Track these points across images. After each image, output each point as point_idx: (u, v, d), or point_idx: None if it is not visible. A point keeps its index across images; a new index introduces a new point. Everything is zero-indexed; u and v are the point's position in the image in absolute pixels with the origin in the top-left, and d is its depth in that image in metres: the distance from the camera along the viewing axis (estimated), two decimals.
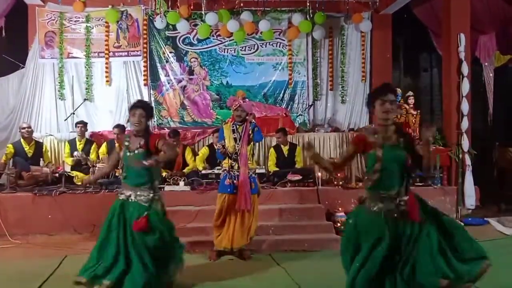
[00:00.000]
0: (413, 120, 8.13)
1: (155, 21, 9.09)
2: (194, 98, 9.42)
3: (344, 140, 8.30)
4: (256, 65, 9.52)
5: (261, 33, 9.30)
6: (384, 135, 3.18)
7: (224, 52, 9.47)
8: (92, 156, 7.55)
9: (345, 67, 9.65)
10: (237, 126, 5.38)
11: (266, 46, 9.49)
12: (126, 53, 9.24)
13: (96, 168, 6.92)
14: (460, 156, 7.57)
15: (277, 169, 7.55)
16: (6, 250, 5.77)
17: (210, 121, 9.38)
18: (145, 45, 9.24)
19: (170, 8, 8.97)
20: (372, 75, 9.69)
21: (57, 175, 7.25)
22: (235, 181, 5.25)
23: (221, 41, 9.43)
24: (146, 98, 9.25)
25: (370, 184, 3.19)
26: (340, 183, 7.22)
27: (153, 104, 9.26)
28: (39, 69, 9.00)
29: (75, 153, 7.44)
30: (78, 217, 6.40)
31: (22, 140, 7.45)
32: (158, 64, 9.35)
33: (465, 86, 7.62)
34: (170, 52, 9.36)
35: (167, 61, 9.36)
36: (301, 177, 7.17)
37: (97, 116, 9.08)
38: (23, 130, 7.43)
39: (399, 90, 8.34)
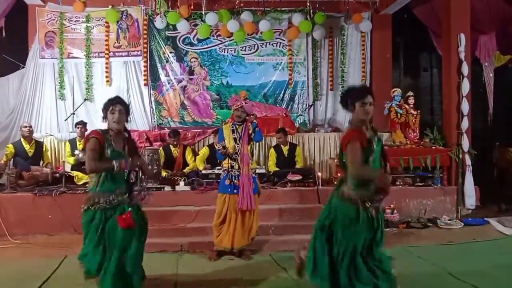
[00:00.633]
0: (413, 120, 8.13)
1: (155, 21, 9.09)
2: (194, 98, 9.42)
3: None
4: (256, 65, 9.52)
5: (261, 33, 9.30)
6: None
7: (224, 52, 9.47)
8: None
9: (345, 67, 9.65)
10: (237, 126, 5.39)
11: (266, 46, 9.49)
12: (126, 53, 9.24)
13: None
14: (460, 156, 7.56)
15: (277, 169, 7.56)
16: (6, 250, 5.77)
17: (210, 121, 9.38)
18: (145, 45, 9.24)
19: (170, 8, 8.97)
20: (372, 75, 9.70)
21: (57, 175, 7.25)
22: (235, 181, 5.26)
23: (221, 41, 9.43)
24: (146, 98, 9.29)
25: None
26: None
27: (153, 104, 9.29)
28: (39, 69, 9.01)
29: (76, 151, 7.43)
30: (78, 217, 6.29)
31: (22, 140, 7.45)
32: (158, 64, 9.35)
33: (465, 86, 7.62)
34: (170, 52, 9.36)
35: (167, 61, 9.36)
36: (301, 177, 7.18)
37: (97, 116, 9.04)
38: (24, 129, 7.44)
39: (399, 90, 8.35)
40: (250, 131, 5.35)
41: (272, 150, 7.82)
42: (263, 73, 9.53)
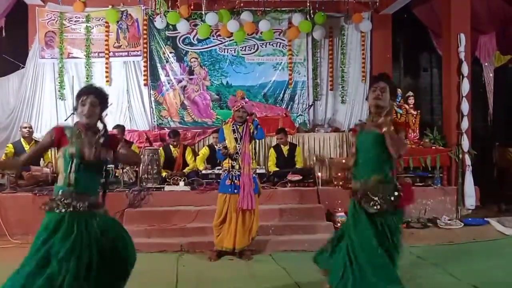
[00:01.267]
0: (413, 120, 8.13)
1: (155, 21, 9.09)
2: (194, 98, 9.42)
3: (344, 140, 8.30)
4: (256, 65, 9.52)
5: (261, 33, 9.30)
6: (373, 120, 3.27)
7: (224, 52, 9.47)
8: None
9: (345, 67, 9.65)
10: (238, 126, 5.40)
11: (266, 46, 9.49)
12: (126, 53, 9.24)
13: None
14: (460, 156, 7.56)
15: (277, 169, 7.56)
16: (6, 250, 5.77)
17: (210, 121, 9.38)
18: (145, 45, 9.24)
19: (170, 8, 8.97)
20: (372, 75, 9.69)
21: (57, 175, 7.23)
22: (235, 181, 5.26)
23: (221, 41, 9.43)
24: (146, 98, 9.29)
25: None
26: (340, 183, 7.20)
27: (153, 104, 9.29)
28: (39, 69, 9.01)
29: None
30: None
31: (22, 140, 7.45)
32: (158, 64, 9.35)
33: (465, 86, 7.61)
34: (170, 52, 9.36)
35: (167, 61, 9.36)
36: (301, 177, 7.18)
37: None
38: (24, 130, 7.43)
39: (399, 90, 8.34)
40: (252, 130, 5.35)
41: (272, 150, 7.82)
42: (263, 73, 9.53)
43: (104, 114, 3.27)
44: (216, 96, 9.46)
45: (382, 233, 3.13)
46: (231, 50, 9.47)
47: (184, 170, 7.59)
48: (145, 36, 9.24)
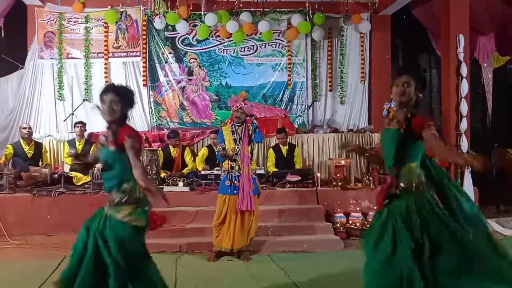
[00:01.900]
0: None
1: (154, 21, 9.09)
2: (193, 99, 9.42)
3: (343, 141, 8.29)
4: (255, 66, 9.52)
5: (260, 34, 9.30)
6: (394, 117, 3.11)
7: (224, 52, 9.47)
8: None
9: (344, 68, 9.65)
10: (237, 127, 5.40)
11: (265, 47, 9.49)
12: (125, 54, 9.24)
13: (96, 168, 6.91)
14: None
15: (276, 169, 7.56)
16: (5, 251, 5.76)
17: (209, 121, 9.38)
18: (144, 46, 9.24)
19: (169, 9, 8.96)
20: (371, 76, 9.70)
21: (56, 175, 7.25)
22: (235, 182, 5.27)
23: (221, 41, 9.43)
24: (145, 99, 9.28)
25: None
26: (339, 184, 7.22)
27: (152, 105, 9.29)
28: (38, 69, 9.00)
29: (71, 150, 7.37)
30: (77, 217, 6.24)
31: (21, 140, 7.45)
32: (157, 65, 9.35)
33: (464, 87, 7.62)
34: (170, 53, 9.36)
35: (166, 62, 9.36)
36: (300, 177, 7.17)
37: (97, 116, 9.04)
38: (23, 130, 7.43)
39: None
40: (251, 132, 5.36)
41: (271, 150, 7.82)
42: (262, 73, 9.53)
43: (128, 110, 3.27)
44: (215, 97, 9.46)
45: None
46: (230, 51, 9.48)
47: (183, 171, 7.59)
48: (144, 37, 9.24)
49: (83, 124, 7.78)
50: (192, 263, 5.28)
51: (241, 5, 8.96)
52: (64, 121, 8.74)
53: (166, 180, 7.08)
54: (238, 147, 5.32)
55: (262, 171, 7.43)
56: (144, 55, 9.25)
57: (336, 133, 8.58)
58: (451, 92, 7.75)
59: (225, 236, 5.30)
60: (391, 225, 2.89)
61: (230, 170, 5.33)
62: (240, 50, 9.47)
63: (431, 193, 2.99)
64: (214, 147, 7.35)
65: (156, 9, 8.77)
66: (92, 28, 9.14)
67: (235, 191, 5.27)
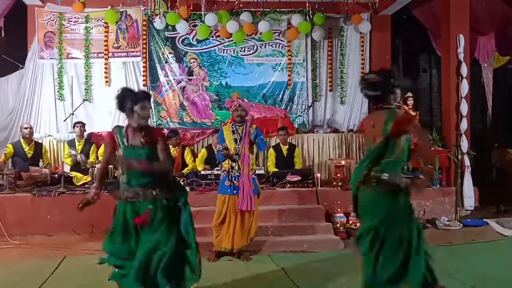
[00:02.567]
0: None
1: (154, 21, 9.08)
2: (193, 99, 9.42)
3: (343, 141, 8.29)
4: (255, 66, 9.52)
5: (260, 34, 9.30)
6: None
7: (224, 52, 9.47)
8: (92, 157, 7.54)
9: (344, 68, 9.65)
10: (237, 127, 5.39)
11: (265, 47, 9.49)
12: (125, 54, 9.24)
13: (96, 168, 6.92)
14: (459, 157, 7.57)
15: (276, 169, 7.55)
16: (5, 251, 5.76)
17: (210, 121, 9.38)
18: (144, 46, 9.24)
19: (169, 9, 8.96)
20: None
21: (56, 175, 7.25)
22: (235, 182, 5.26)
23: (221, 41, 9.43)
24: None
25: None
26: (339, 184, 7.22)
27: (152, 105, 9.28)
28: (38, 69, 9.00)
29: (78, 156, 7.37)
30: (77, 217, 6.34)
31: (22, 140, 7.45)
32: (157, 65, 9.35)
33: (464, 87, 7.63)
34: (170, 53, 9.36)
35: (166, 62, 9.36)
36: (300, 178, 7.17)
37: (96, 116, 9.07)
38: (24, 130, 7.42)
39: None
40: (251, 133, 5.34)
41: (271, 150, 7.82)
42: (262, 73, 9.53)
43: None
44: (215, 97, 9.46)
45: None
46: (230, 51, 9.48)
47: (183, 171, 7.58)
48: (144, 37, 9.24)
49: (82, 124, 7.78)
50: None
51: (241, 5, 8.95)
52: (64, 121, 8.74)
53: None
54: (238, 147, 5.32)
55: (262, 171, 7.43)
56: (144, 55, 9.25)
57: (336, 133, 8.57)
58: (451, 92, 7.75)
59: (224, 236, 5.30)
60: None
61: (230, 170, 5.32)
62: (240, 50, 9.47)
63: None
64: (214, 147, 7.35)
65: (156, 9, 8.77)
66: (92, 28, 9.14)
67: (234, 191, 5.26)
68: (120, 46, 9.22)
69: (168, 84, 9.38)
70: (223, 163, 5.46)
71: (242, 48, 9.46)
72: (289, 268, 4.99)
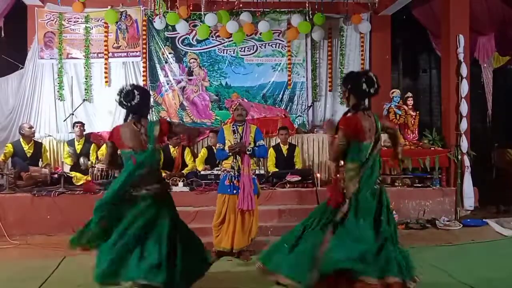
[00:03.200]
0: (412, 121, 8.13)
1: (154, 21, 9.09)
2: (193, 99, 9.42)
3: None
4: (255, 66, 9.52)
5: (260, 34, 9.31)
6: None
7: (223, 53, 9.47)
8: (92, 157, 7.54)
9: (344, 68, 9.64)
10: (237, 127, 5.38)
11: (265, 47, 9.50)
12: (125, 54, 9.24)
13: (96, 168, 6.92)
14: (459, 157, 7.57)
15: (276, 169, 7.55)
16: (5, 251, 5.77)
17: (209, 122, 9.38)
18: (144, 46, 9.24)
19: (169, 9, 8.96)
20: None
21: (56, 175, 7.25)
22: (234, 182, 5.25)
23: (220, 42, 9.43)
24: None
25: None
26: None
27: (152, 105, 9.27)
28: (38, 69, 9.00)
29: (81, 159, 7.33)
30: (77, 217, 6.24)
31: (21, 140, 7.44)
32: (157, 65, 9.35)
33: (464, 87, 7.63)
34: (169, 53, 9.36)
35: (166, 62, 9.37)
36: (300, 178, 7.18)
37: (96, 117, 9.08)
38: (27, 130, 7.41)
39: (398, 91, 8.35)
40: (251, 135, 5.33)
41: (271, 150, 7.81)
42: (262, 74, 9.53)
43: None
44: (215, 97, 9.46)
45: None
46: (230, 51, 9.48)
47: (183, 171, 7.58)
48: (144, 37, 9.24)
49: (82, 124, 7.78)
50: None
51: (241, 5, 8.95)
52: (64, 121, 8.74)
53: (166, 180, 7.06)
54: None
55: (262, 171, 7.43)
56: (144, 55, 9.25)
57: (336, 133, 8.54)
58: (451, 92, 7.75)
59: (224, 236, 5.29)
60: None
61: (230, 170, 5.32)
62: (240, 50, 9.47)
63: None
64: (213, 147, 7.35)
65: (156, 9, 8.77)
66: (92, 28, 9.14)
67: (234, 191, 5.25)
68: (120, 46, 9.22)
69: (168, 84, 9.38)
70: (223, 163, 5.46)
71: (242, 48, 9.46)
72: None
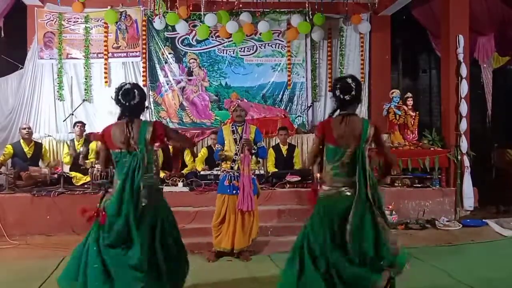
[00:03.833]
0: (412, 122, 8.12)
1: (154, 22, 9.08)
2: (193, 99, 9.42)
3: None
4: (255, 66, 9.52)
5: (260, 34, 9.31)
6: None
7: (223, 53, 9.47)
8: (91, 157, 7.53)
9: (344, 69, 9.64)
10: (237, 127, 5.38)
11: (265, 47, 9.50)
12: (125, 54, 9.24)
13: (95, 168, 6.91)
14: (459, 157, 7.57)
15: (276, 170, 7.56)
16: (5, 251, 5.76)
17: (209, 122, 9.38)
18: (144, 46, 9.24)
19: (169, 9, 8.96)
20: (371, 77, 9.70)
21: (55, 176, 7.25)
22: (234, 182, 5.26)
23: (220, 42, 9.43)
24: None
25: None
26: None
27: (152, 105, 9.29)
28: (38, 69, 9.00)
29: (81, 148, 7.33)
30: (76, 217, 6.26)
31: (21, 141, 7.44)
32: (157, 65, 9.35)
33: (464, 88, 7.63)
34: (169, 53, 9.36)
35: (166, 62, 9.36)
36: (300, 178, 7.18)
37: (96, 117, 9.07)
38: (23, 131, 7.42)
39: (397, 92, 8.35)
40: (251, 135, 5.34)
41: (271, 150, 7.82)
42: (262, 74, 9.53)
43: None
44: (215, 97, 9.46)
45: None
46: (230, 51, 9.48)
47: (182, 171, 7.58)
48: (144, 37, 9.24)
49: (82, 124, 7.78)
50: (192, 263, 5.23)
51: (241, 6, 8.95)
52: (63, 121, 8.74)
53: (166, 180, 7.07)
54: (238, 147, 5.31)
55: (261, 172, 7.43)
56: (144, 55, 9.25)
57: None
58: (450, 92, 7.75)
59: (224, 236, 5.29)
60: None
61: (229, 170, 5.32)
62: (239, 51, 9.47)
63: None
64: (214, 148, 7.35)
65: (156, 9, 8.78)
66: (92, 28, 9.14)
67: (234, 191, 5.26)
68: (120, 46, 9.22)
69: (167, 84, 9.38)
70: (222, 164, 5.46)
71: (241, 48, 9.46)
72: None
